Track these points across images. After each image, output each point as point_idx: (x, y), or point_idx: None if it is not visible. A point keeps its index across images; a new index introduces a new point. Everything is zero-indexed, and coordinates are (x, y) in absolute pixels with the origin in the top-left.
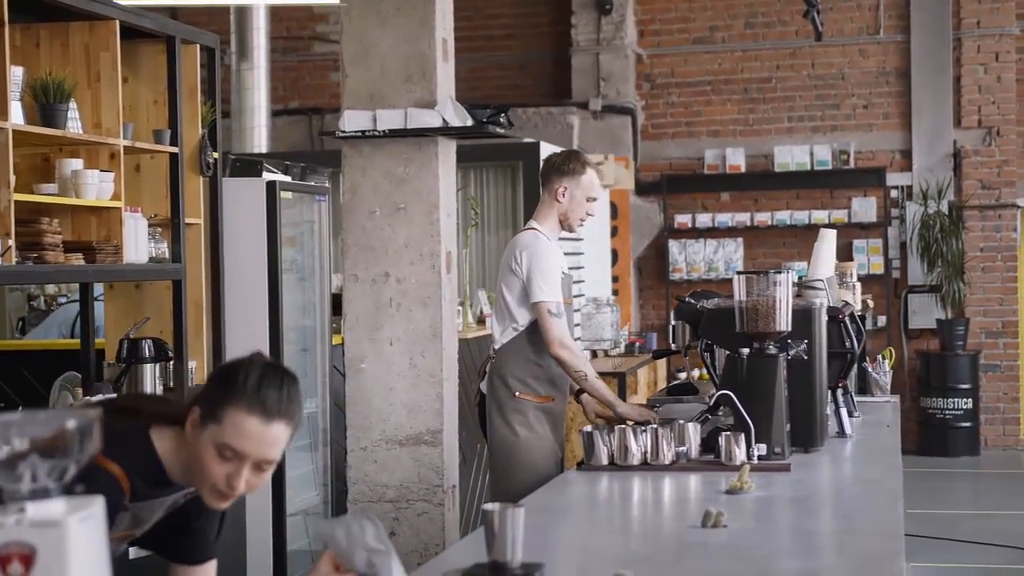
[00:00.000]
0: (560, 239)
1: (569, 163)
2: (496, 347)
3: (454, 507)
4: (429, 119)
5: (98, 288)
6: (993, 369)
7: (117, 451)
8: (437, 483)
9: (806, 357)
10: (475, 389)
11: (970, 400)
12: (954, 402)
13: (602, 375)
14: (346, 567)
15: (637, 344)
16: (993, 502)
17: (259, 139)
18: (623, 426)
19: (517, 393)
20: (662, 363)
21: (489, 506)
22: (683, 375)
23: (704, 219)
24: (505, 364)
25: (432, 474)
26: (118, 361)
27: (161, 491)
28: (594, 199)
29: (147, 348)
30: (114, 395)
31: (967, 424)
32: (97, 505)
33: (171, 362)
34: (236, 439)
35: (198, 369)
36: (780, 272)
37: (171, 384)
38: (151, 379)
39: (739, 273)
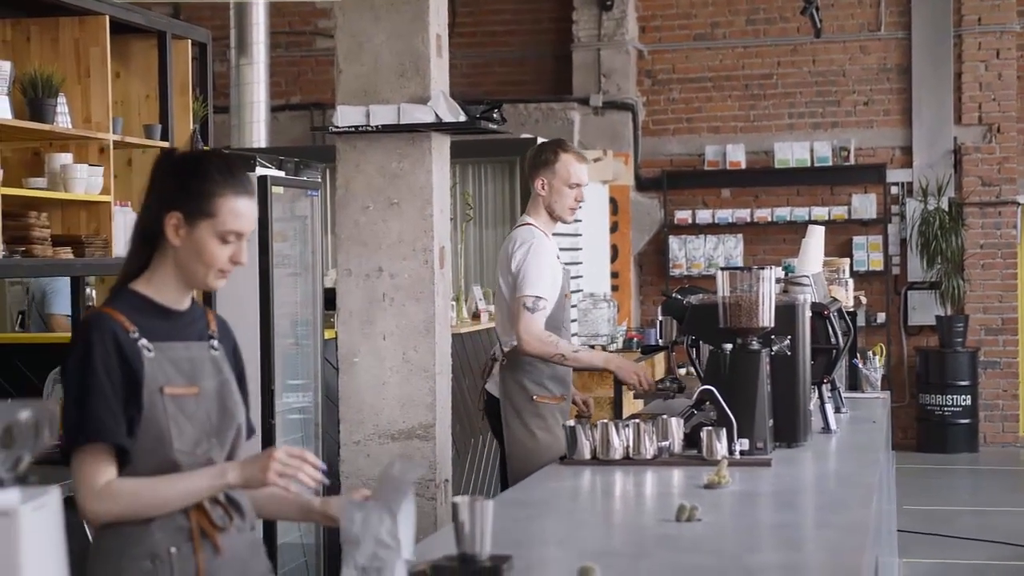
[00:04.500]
0: (557, 234)
1: (541, 155)
2: (506, 349)
3: (446, 501)
4: (422, 115)
5: None
6: (992, 366)
7: (108, 304)
8: (429, 477)
9: (789, 353)
10: (479, 389)
11: (969, 397)
12: (953, 399)
13: (600, 372)
14: (345, 551)
15: (636, 340)
16: (991, 499)
17: (258, 134)
18: (606, 421)
19: (535, 396)
20: (660, 358)
21: (458, 499)
22: (683, 371)
23: (704, 215)
24: (521, 366)
25: (425, 468)
26: None
27: (165, 322)
28: (577, 185)
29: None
30: None
31: (966, 421)
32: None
33: None
34: (236, 223)
35: None
36: (763, 268)
37: None
38: None
39: (722, 269)
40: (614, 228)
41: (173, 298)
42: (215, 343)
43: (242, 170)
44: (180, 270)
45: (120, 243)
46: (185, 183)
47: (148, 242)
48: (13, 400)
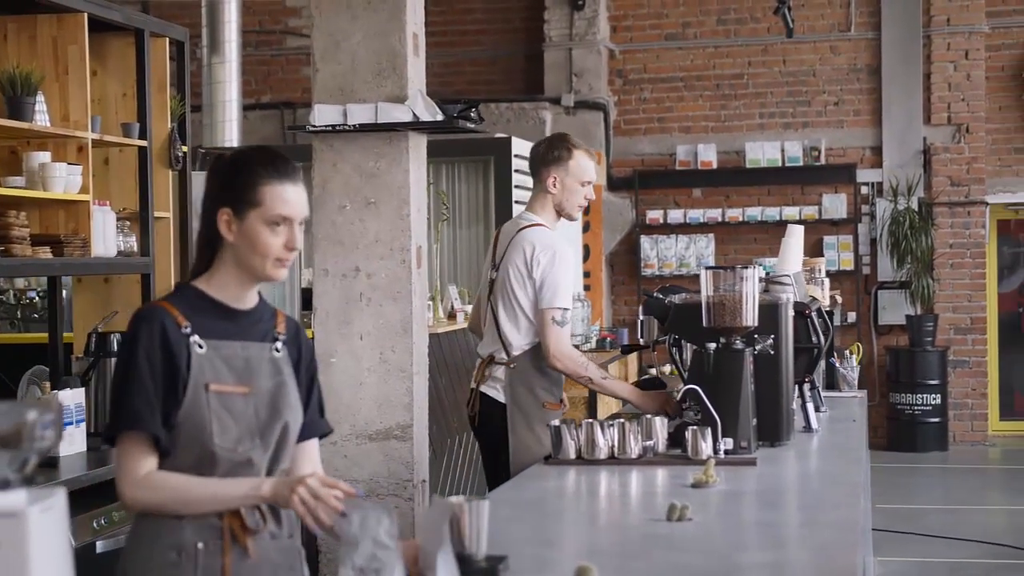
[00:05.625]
0: None
1: (553, 150)
2: (515, 352)
3: (424, 501)
4: (399, 114)
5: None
6: (961, 365)
7: (165, 298)
8: (407, 478)
9: (772, 352)
10: (464, 390)
11: (939, 396)
12: (923, 398)
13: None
14: (343, 552)
15: (608, 339)
16: (961, 497)
17: (230, 133)
18: (591, 420)
19: (546, 403)
20: (633, 358)
21: (454, 499)
22: (653, 370)
23: (676, 215)
24: (533, 372)
25: (402, 469)
26: (86, 355)
27: (226, 321)
28: (588, 182)
29: (115, 342)
30: None
31: (936, 420)
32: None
33: None
34: (283, 208)
35: None
36: (747, 267)
37: None
38: None
39: (707, 268)
40: (586, 228)
41: (235, 296)
42: (279, 345)
43: (285, 160)
44: (240, 266)
45: (99, 242)
46: (230, 179)
47: (209, 245)
48: (18, 401)
